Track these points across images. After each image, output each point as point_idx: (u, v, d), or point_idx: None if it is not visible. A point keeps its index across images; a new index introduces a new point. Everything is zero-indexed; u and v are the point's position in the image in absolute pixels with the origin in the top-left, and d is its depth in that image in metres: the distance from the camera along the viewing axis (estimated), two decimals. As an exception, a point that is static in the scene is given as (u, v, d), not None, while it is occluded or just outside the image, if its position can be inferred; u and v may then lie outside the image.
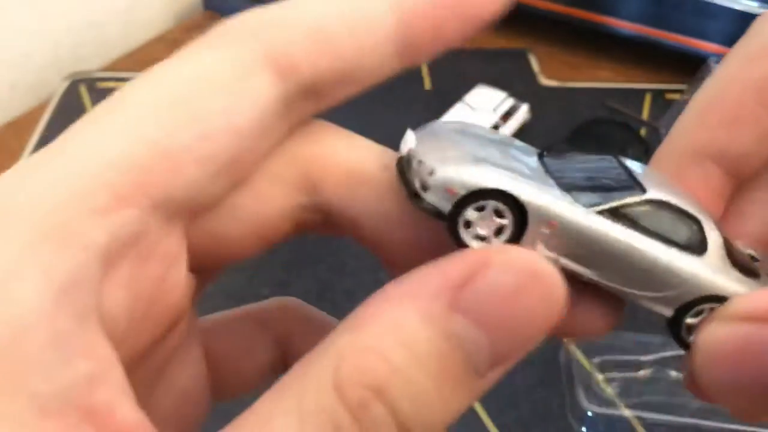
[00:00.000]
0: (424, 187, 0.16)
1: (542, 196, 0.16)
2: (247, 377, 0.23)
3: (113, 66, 0.74)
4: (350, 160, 0.19)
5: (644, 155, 0.62)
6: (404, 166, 0.17)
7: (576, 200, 0.16)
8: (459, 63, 0.75)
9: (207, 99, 0.16)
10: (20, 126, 0.65)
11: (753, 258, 0.20)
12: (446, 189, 0.16)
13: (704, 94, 0.21)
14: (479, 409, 0.44)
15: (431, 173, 0.16)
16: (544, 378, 0.46)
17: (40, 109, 0.67)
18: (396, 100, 0.70)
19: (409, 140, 0.17)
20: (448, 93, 0.66)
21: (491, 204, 0.16)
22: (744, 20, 0.68)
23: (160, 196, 0.15)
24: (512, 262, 0.15)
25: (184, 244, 0.17)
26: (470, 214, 0.16)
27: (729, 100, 0.20)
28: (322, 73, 0.17)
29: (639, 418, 0.43)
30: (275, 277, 0.52)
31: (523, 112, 0.63)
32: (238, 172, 0.17)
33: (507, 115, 0.61)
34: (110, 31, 0.80)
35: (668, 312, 0.18)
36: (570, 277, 0.16)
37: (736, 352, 0.16)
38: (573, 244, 0.16)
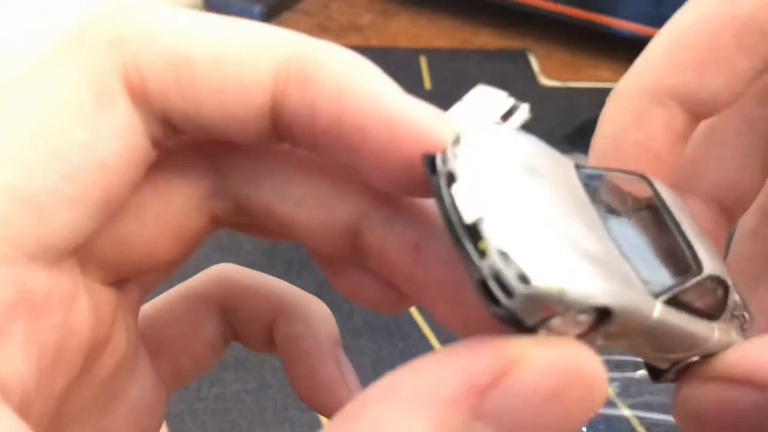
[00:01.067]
0: (507, 292, 0.12)
1: (634, 304, 0.13)
2: (202, 355, 0.22)
3: (113, 66, 0.74)
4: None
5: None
6: (463, 229, 0.13)
7: (644, 278, 0.14)
8: (459, 62, 0.76)
9: (65, 132, 0.14)
10: (20, 125, 0.65)
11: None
12: (540, 306, 0.12)
13: (672, 31, 0.19)
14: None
15: (523, 280, 0.12)
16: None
17: (39, 108, 0.67)
18: (396, 99, 0.70)
19: (471, 192, 0.13)
20: (448, 93, 0.66)
21: (583, 315, 0.13)
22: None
23: (34, 247, 0.14)
24: (552, 362, 0.12)
25: (78, 278, 0.16)
26: (555, 322, 0.13)
27: (703, 40, 0.18)
28: (173, 111, 0.15)
29: (639, 418, 0.43)
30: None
31: (523, 112, 0.63)
32: (114, 205, 0.15)
33: (507, 115, 0.61)
34: (110, 30, 0.79)
35: (664, 365, 0.17)
36: None
37: (713, 413, 0.16)
38: (632, 333, 0.14)
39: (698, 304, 0.16)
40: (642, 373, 0.45)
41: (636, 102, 0.19)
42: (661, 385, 0.46)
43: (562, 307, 0.12)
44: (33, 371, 0.14)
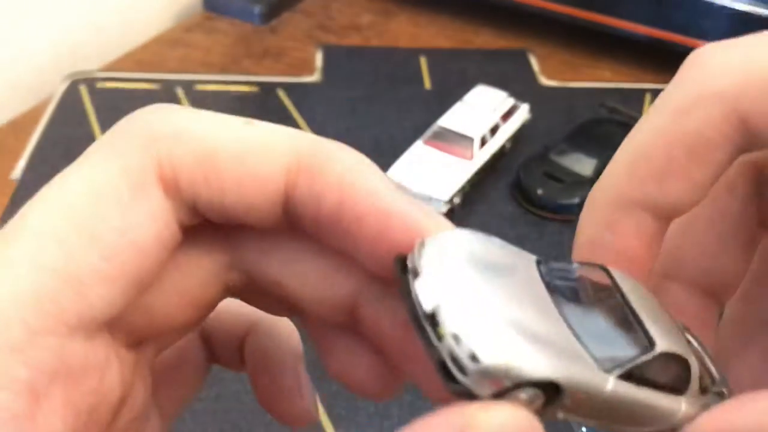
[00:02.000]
0: (461, 370, 0.14)
1: (583, 378, 0.15)
2: (191, 382, 0.23)
3: (113, 66, 0.74)
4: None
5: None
6: (424, 317, 0.15)
7: (595, 356, 0.16)
8: (459, 62, 0.76)
9: (104, 218, 0.16)
10: (20, 126, 0.65)
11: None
12: (489, 382, 0.14)
13: (633, 145, 0.20)
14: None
15: (473, 359, 0.14)
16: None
17: (39, 109, 0.67)
18: (396, 99, 0.70)
19: (430, 285, 0.15)
20: (448, 92, 0.67)
21: (531, 389, 0.14)
22: (744, 20, 0.68)
23: (74, 320, 0.16)
24: (496, 424, 0.14)
25: (110, 346, 0.17)
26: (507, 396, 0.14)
27: (660, 155, 0.19)
28: (200, 201, 0.17)
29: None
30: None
31: (523, 111, 0.63)
32: (146, 283, 0.17)
33: (507, 115, 0.61)
34: (110, 31, 0.80)
35: None
36: None
37: None
38: (587, 407, 0.16)
39: (658, 379, 0.17)
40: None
41: (606, 211, 0.20)
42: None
43: (509, 382, 0.14)
44: (63, 428, 0.16)
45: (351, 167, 0.17)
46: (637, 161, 0.20)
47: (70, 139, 0.63)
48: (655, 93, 0.72)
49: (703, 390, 0.18)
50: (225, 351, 0.23)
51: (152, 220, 0.16)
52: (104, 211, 0.16)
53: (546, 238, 0.56)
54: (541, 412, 0.15)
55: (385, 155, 0.59)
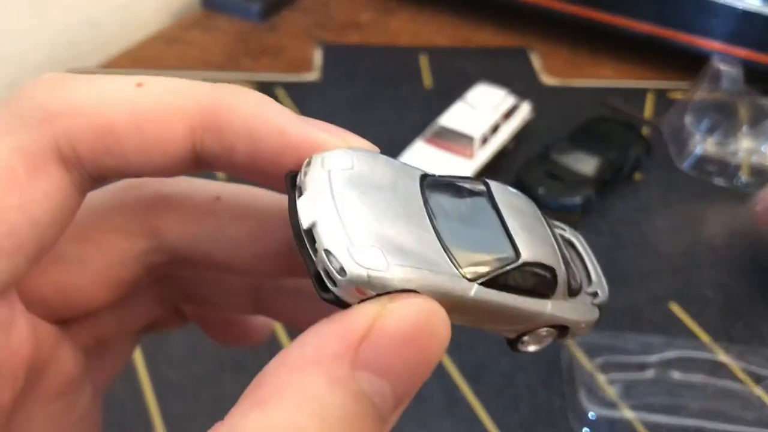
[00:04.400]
0: (333, 281, 0.16)
1: (442, 286, 0.17)
2: (121, 356, 0.24)
3: (111, 64, 0.74)
4: (184, 197, 0.20)
5: (645, 154, 0.62)
6: (302, 233, 0.16)
7: (460, 265, 0.17)
8: (459, 61, 0.75)
9: (3, 196, 0.17)
10: (17, 124, 0.65)
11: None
12: (356, 289, 0.16)
13: None
14: (480, 410, 0.44)
15: (341, 272, 0.16)
16: (546, 379, 0.46)
17: (36, 107, 0.67)
18: (396, 98, 0.69)
19: (309, 203, 0.17)
20: (449, 91, 0.66)
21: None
22: (747, 18, 0.67)
23: None
24: (404, 309, 0.16)
25: (16, 310, 0.18)
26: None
27: None
28: (105, 169, 0.18)
29: (641, 420, 0.43)
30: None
31: (524, 110, 0.63)
32: (44, 253, 0.18)
33: (508, 114, 0.61)
34: (107, 28, 0.79)
35: (512, 335, 0.20)
36: None
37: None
38: (458, 309, 0.17)
39: (521, 285, 0.18)
40: (644, 374, 0.45)
41: None
42: (664, 387, 0.45)
43: (373, 291, 0.16)
44: None
45: (255, 112, 0.18)
46: None
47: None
48: (658, 91, 0.71)
49: (574, 293, 0.20)
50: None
51: (50, 198, 0.17)
52: (3, 190, 0.16)
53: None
54: None
55: (384, 154, 0.59)
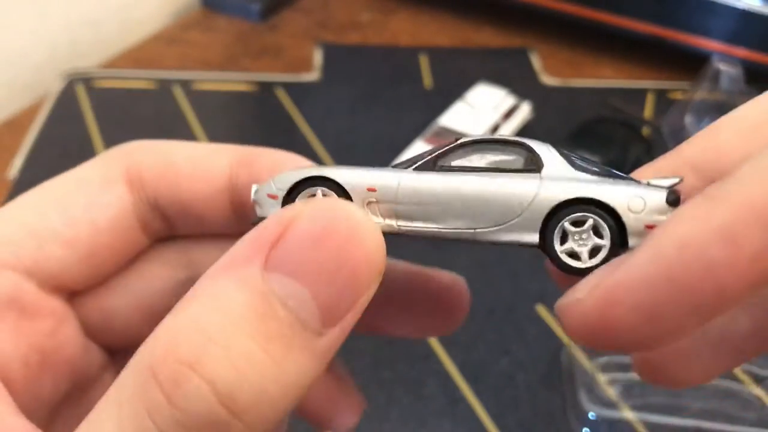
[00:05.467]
0: (259, 213, 0.18)
1: (352, 171, 0.17)
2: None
3: (111, 64, 0.74)
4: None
5: (646, 154, 0.62)
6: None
7: (395, 168, 0.18)
8: (459, 61, 0.75)
9: (74, 197, 0.20)
10: (17, 124, 0.65)
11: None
12: (269, 196, 0.18)
13: None
14: (480, 410, 0.44)
15: (257, 202, 0.18)
16: (546, 379, 0.46)
17: (36, 107, 0.67)
18: (395, 98, 0.69)
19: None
20: (449, 91, 0.66)
21: (313, 190, 0.18)
22: (747, 18, 0.67)
23: (30, 264, 0.19)
24: (316, 209, 0.16)
25: (68, 310, 0.21)
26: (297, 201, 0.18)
27: None
28: (161, 195, 0.21)
29: (641, 420, 0.43)
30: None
31: (524, 110, 0.63)
32: (98, 261, 0.21)
33: (508, 114, 0.61)
34: (107, 28, 0.79)
35: (534, 237, 0.17)
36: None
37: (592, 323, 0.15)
38: (401, 203, 0.17)
39: (481, 165, 0.17)
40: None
41: None
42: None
43: (279, 190, 0.18)
44: (19, 359, 0.19)
45: (279, 155, 0.21)
46: None
47: (67, 138, 0.62)
48: (658, 91, 0.71)
49: (592, 172, 0.17)
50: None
51: (111, 205, 0.21)
52: (75, 193, 0.20)
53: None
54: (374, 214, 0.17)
55: (384, 154, 0.59)
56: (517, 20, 0.81)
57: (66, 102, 0.67)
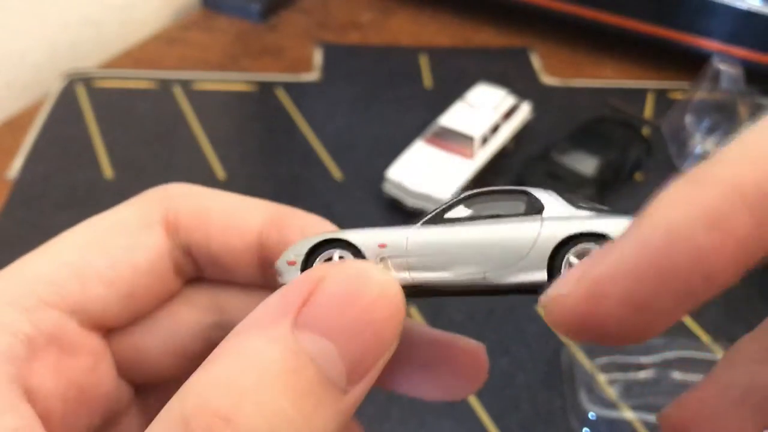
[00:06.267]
0: (280, 281, 0.20)
1: (363, 231, 0.19)
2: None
3: (110, 64, 0.74)
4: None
5: (646, 154, 0.62)
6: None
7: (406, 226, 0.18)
8: (459, 61, 0.75)
9: (115, 239, 0.21)
10: (17, 125, 0.65)
11: None
12: (288, 263, 0.19)
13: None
14: (480, 410, 0.44)
15: (278, 270, 0.19)
16: (546, 379, 0.45)
17: (36, 107, 0.67)
18: (395, 98, 0.69)
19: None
20: (449, 91, 0.66)
21: (331, 252, 0.19)
22: (747, 18, 0.67)
23: (73, 304, 0.20)
24: (342, 272, 0.17)
25: (106, 348, 0.21)
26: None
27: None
28: (194, 242, 0.22)
29: (641, 420, 0.43)
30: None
31: (524, 110, 0.62)
32: (136, 302, 0.21)
33: (508, 114, 0.61)
34: (107, 29, 0.79)
35: (542, 275, 0.17)
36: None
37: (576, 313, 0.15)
38: (412, 256, 0.18)
39: (482, 214, 0.18)
40: (644, 374, 0.45)
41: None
42: (664, 387, 0.45)
43: (296, 256, 0.19)
44: (59, 395, 0.19)
45: (309, 220, 0.22)
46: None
47: (67, 138, 0.62)
48: (658, 92, 0.71)
49: (595, 209, 0.18)
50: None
51: (150, 249, 0.21)
52: (116, 235, 0.21)
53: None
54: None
55: (385, 154, 0.59)
56: (517, 20, 0.81)
57: (66, 102, 0.67)
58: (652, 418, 0.43)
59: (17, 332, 0.19)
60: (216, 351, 0.16)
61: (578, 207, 0.18)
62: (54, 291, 0.20)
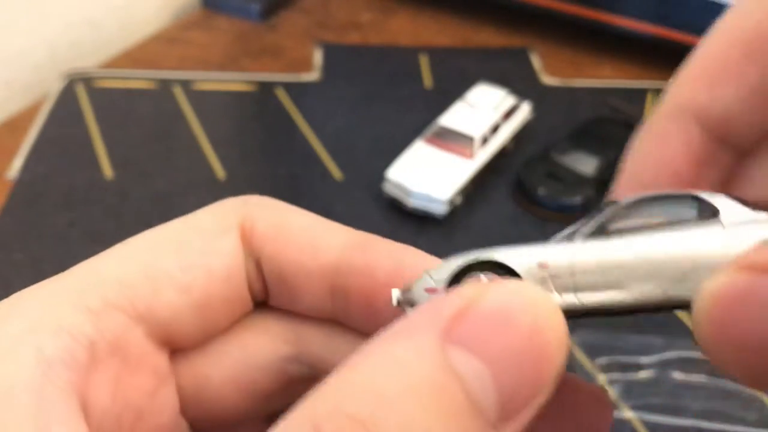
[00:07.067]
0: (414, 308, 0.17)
1: (517, 249, 0.17)
2: None
3: (110, 64, 0.74)
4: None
5: (646, 154, 0.62)
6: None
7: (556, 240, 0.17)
8: (459, 61, 0.75)
9: (190, 242, 0.19)
10: (16, 125, 0.65)
11: None
12: (426, 290, 0.17)
13: (697, 49, 0.19)
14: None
15: (407, 300, 0.17)
16: (546, 380, 0.45)
17: (36, 107, 0.67)
18: (395, 98, 0.69)
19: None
20: (449, 91, 0.66)
21: (477, 278, 0.17)
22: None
23: (142, 308, 0.18)
24: (503, 290, 0.15)
25: (170, 373, 0.19)
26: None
27: (714, 55, 0.18)
28: (266, 256, 0.20)
29: (641, 420, 0.43)
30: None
31: (524, 110, 0.62)
32: (209, 314, 0.19)
33: (508, 114, 0.61)
34: (107, 28, 0.79)
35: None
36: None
37: (734, 304, 0.13)
38: (579, 274, 0.16)
39: (652, 221, 0.16)
40: (644, 374, 0.45)
41: (657, 121, 0.19)
42: (664, 387, 0.45)
43: (441, 283, 0.17)
44: (114, 416, 0.17)
45: (397, 245, 0.20)
46: (692, 64, 0.19)
47: (67, 138, 0.62)
48: (658, 92, 0.71)
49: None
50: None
51: (226, 254, 0.20)
52: (192, 238, 0.20)
53: (548, 238, 0.56)
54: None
55: (385, 154, 0.59)
56: (517, 20, 0.81)
57: (66, 102, 0.67)
58: (652, 418, 0.43)
59: (79, 336, 0.17)
60: (354, 357, 0.14)
61: (755, 209, 0.16)
62: (122, 293, 0.18)
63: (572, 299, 0.16)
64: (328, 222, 0.21)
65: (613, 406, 0.21)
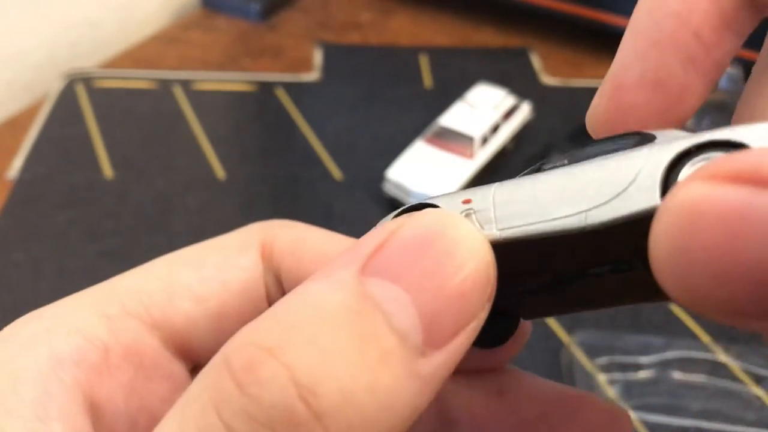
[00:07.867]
0: None
1: (449, 194, 0.17)
2: None
3: (110, 64, 0.74)
4: None
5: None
6: None
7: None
8: (459, 61, 0.75)
9: (211, 257, 0.20)
10: (16, 124, 0.65)
11: None
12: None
13: None
14: (480, 411, 0.44)
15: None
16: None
17: (36, 107, 0.67)
18: (395, 98, 0.69)
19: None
20: (449, 91, 0.66)
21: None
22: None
23: (158, 315, 0.19)
24: (421, 218, 0.14)
25: (187, 378, 0.20)
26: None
27: None
28: (284, 269, 0.21)
29: (641, 420, 0.43)
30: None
31: (524, 110, 0.62)
32: (224, 326, 0.20)
33: (508, 114, 0.61)
34: (107, 28, 0.79)
35: (654, 196, 0.14)
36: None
37: (727, 223, 0.10)
38: (499, 205, 0.16)
39: (590, 155, 0.16)
40: (644, 374, 0.45)
41: None
42: (664, 387, 0.45)
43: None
44: (128, 417, 0.18)
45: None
46: None
47: (67, 138, 0.62)
48: (657, 91, 0.71)
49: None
50: None
51: (244, 270, 0.20)
52: (213, 254, 0.20)
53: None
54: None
55: (384, 154, 0.59)
56: (517, 20, 0.81)
57: (66, 102, 0.67)
58: (652, 418, 0.43)
59: (92, 338, 0.18)
60: (288, 295, 0.14)
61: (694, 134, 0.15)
62: (138, 300, 0.19)
63: (492, 231, 0.15)
64: (341, 236, 0.21)
65: (632, 426, 0.20)
